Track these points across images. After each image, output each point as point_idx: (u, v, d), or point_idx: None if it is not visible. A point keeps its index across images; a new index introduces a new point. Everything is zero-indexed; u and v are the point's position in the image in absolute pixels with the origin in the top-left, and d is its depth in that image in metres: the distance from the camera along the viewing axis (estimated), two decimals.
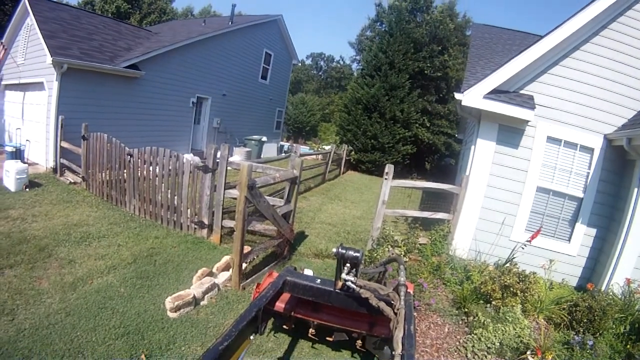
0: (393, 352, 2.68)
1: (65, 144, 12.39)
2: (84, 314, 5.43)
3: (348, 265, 3.26)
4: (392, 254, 8.41)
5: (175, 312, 5.73)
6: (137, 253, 7.62)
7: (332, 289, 3.43)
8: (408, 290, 3.41)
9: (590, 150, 9.20)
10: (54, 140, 12.94)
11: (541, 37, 9.10)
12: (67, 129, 12.61)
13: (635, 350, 6.57)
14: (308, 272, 4.02)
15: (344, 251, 3.18)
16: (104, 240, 8.01)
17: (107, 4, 46.66)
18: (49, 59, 12.73)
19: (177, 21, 36.42)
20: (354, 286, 3.24)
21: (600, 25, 8.90)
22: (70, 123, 12.60)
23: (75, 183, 11.89)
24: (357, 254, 3.17)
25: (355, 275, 3.25)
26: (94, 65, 14.36)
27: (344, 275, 3.24)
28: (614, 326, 7.20)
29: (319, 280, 3.57)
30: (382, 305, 3.21)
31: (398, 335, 2.81)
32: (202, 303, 6.21)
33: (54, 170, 12.97)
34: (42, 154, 13.77)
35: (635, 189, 8.34)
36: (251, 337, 3.15)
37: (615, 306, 7.29)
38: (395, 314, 3.09)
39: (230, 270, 6.90)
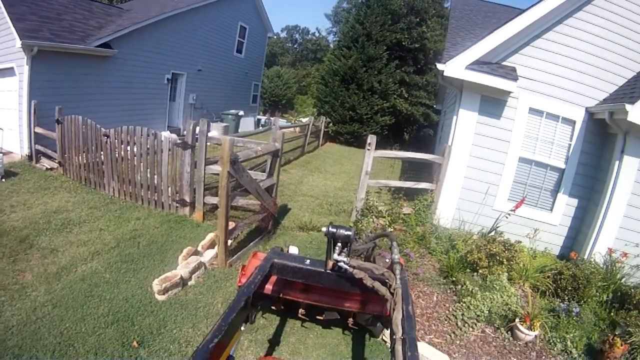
0: (394, 337, 2.59)
1: (39, 130, 12.05)
2: (71, 304, 5.32)
3: (339, 244, 3.14)
4: (382, 229, 8.43)
5: (164, 294, 5.65)
6: (120, 236, 7.48)
7: (322, 270, 3.32)
8: (403, 268, 3.32)
9: (572, 123, 9.31)
10: (28, 126, 12.59)
11: (524, 9, 9.04)
12: (41, 114, 12.26)
13: (619, 317, 6.72)
14: (293, 249, 3.91)
15: (334, 230, 3.05)
16: (85, 226, 7.84)
17: None
18: (18, 42, 12.28)
19: None
20: (347, 266, 3.13)
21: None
22: (44, 107, 12.26)
23: (52, 169, 11.59)
24: (349, 233, 3.04)
25: (348, 255, 3.13)
26: (65, 46, 13.94)
27: (335, 256, 3.11)
28: (597, 294, 7.37)
29: (308, 261, 3.45)
30: (377, 285, 3.11)
31: (397, 317, 2.72)
32: (189, 283, 6.14)
33: (30, 157, 12.60)
34: (16, 141, 13.35)
35: (617, 162, 8.48)
36: (242, 328, 3.04)
37: (598, 275, 7.45)
38: (392, 294, 3.01)
39: (216, 247, 6.84)
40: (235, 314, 2.81)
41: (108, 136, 9.39)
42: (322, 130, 25.79)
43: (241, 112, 25.20)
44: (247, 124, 29.22)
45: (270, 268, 3.42)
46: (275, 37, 53.69)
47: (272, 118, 33.31)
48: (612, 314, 7.03)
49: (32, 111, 12.25)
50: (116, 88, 17.05)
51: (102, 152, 9.70)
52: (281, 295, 4.06)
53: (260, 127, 31.17)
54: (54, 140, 11.43)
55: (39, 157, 12.27)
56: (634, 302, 6.88)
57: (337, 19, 48.81)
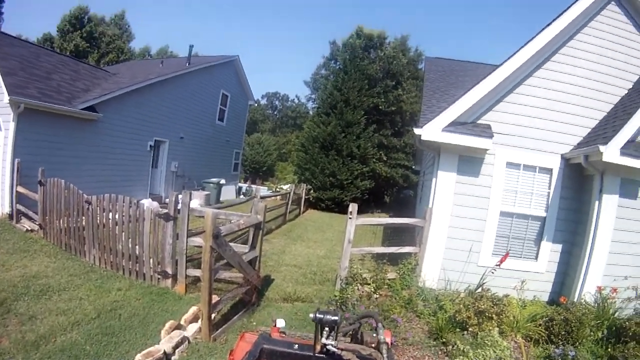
0: None
1: (21, 189, 11.91)
2: None
3: (327, 329, 3.17)
4: (367, 296, 8.38)
5: None
6: (101, 307, 7.25)
7: (311, 354, 3.32)
8: (390, 348, 3.34)
9: (549, 171, 9.53)
10: (10, 184, 12.48)
11: (495, 67, 9.35)
12: (23, 173, 12.17)
13: (617, 352, 6.67)
14: (280, 322, 3.87)
15: (321, 316, 3.10)
16: (65, 294, 7.61)
17: (65, 41, 46.47)
18: (6, 97, 12.35)
19: (135, 61, 36.25)
20: (335, 349, 3.14)
21: (550, 51, 9.37)
22: (27, 166, 12.21)
23: (32, 230, 11.38)
24: (336, 317, 3.09)
25: (335, 338, 3.16)
26: (52, 106, 14.02)
27: (323, 340, 3.14)
28: (591, 333, 7.34)
29: (296, 346, 3.45)
30: None
31: None
32: (173, 358, 5.93)
33: (10, 216, 12.43)
34: None
35: (596, 202, 8.67)
36: None
37: (590, 314, 7.43)
38: None
39: (199, 321, 6.65)
40: None
41: (90, 203, 9.28)
42: (303, 197, 25.89)
43: (222, 181, 25.22)
44: (228, 192, 29.19)
45: (260, 353, 3.40)
46: (256, 104, 54.55)
47: (253, 186, 33.44)
48: (609, 349, 6.96)
49: (16, 169, 12.17)
50: (99, 152, 17.07)
51: (83, 218, 9.56)
52: None
53: (242, 196, 31.19)
54: (35, 201, 11.27)
55: (19, 217, 12.09)
56: (630, 333, 6.83)
57: (316, 86, 49.64)
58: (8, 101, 12.39)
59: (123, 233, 8.87)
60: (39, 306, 6.93)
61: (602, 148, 7.77)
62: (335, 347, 3.17)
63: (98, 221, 9.23)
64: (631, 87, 9.45)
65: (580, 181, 9.37)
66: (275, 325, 3.92)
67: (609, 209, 8.57)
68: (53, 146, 14.60)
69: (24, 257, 9.22)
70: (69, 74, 17.53)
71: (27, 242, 10.30)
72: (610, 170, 8.36)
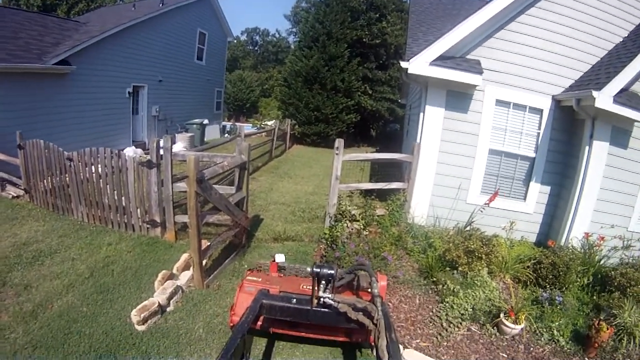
0: None
1: (1, 156, 11.49)
2: (52, 344, 5.11)
3: (324, 282, 3.20)
4: (357, 233, 8.40)
5: (143, 324, 5.49)
6: (93, 265, 7.23)
7: (309, 307, 3.37)
8: (384, 301, 3.41)
9: (540, 111, 9.39)
10: None
11: (487, 1, 9.04)
12: (1, 139, 11.84)
13: (602, 300, 6.83)
14: (280, 257, 3.93)
15: (318, 270, 3.21)
16: (57, 256, 7.55)
17: None
18: None
19: (106, 8, 35.04)
20: (332, 302, 3.19)
21: None
22: (5, 132, 11.84)
23: (18, 197, 11.12)
24: (332, 271, 3.21)
25: (332, 291, 3.20)
26: (22, 66, 13.59)
27: (320, 293, 3.20)
28: (578, 279, 7.45)
29: (294, 300, 3.49)
30: (361, 317, 3.26)
31: (382, 344, 2.91)
32: (168, 309, 5.98)
33: None
34: None
35: (587, 147, 8.59)
36: None
37: (577, 260, 7.50)
38: (375, 324, 3.09)
39: (191, 269, 6.67)
40: (230, 354, 2.85)
41: (71, 159, 9.08)
42: (289, 133, 25.77)
43: (205, 121, 24.95)
44: (212, 131, 29.02)
45: (260, 308, 3.43)
46: (235, 41, 53.54)
47: (237, 124, 33.20)
48: (594, 297, 7.13)
49: None
50: (78, 105, 16.69)
51: (67, 176, 9.40)
52: (271, 331, 4.05)
53: (226, 135, 31.00)
54: (17, 167, 10.98)
55: (4, 185, 11.77)
56: (615, 284, 6.98)
57: (297, 19, 48.75)
58: None
59: (108, 186, 8.74)
60: (32, 273, 6.88)
61: (595, 93, 7.67)
62: (332, 299, 3.22)
63: (82, 177, 9.07)
64: (627, 35, 9.25)
65: (570, 124, 9.29)
66: (274, 260, 3.98)
67: (599, 155, 8.55)
68: (29, 107, 14.25)
69: (12, 225, 9.05)
70: (36, 30, 16.85)
71: (14, 209, 10.09)
72: (601, 116, 8.28)
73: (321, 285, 3.23)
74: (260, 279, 3.86)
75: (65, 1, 46.88)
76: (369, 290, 3.60)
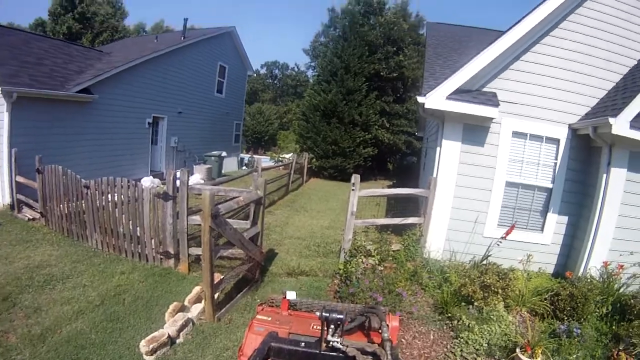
0: None
1: (20, 179, 11.72)
2: None
3: (332, 326, 3.18)
4: (372, 268, 8.31)
5: (152, 355, 5.43)
6: (104, 293, 7.22)
7: (317, 351, 3.33)
8: (394, 345, 3.36)
9: (556, 141, 9.33)
10: (9, 175, 12.29)
11: (501, 33, 9.12)
12: (21, 162, 11.93)
13: (621, 330, 6.66)
14: (291, 294, 3.88)
15: (327, 314, 3.15)
16: (69, 282, 7.56)
17: (58, 24, 45.73)
18: None
19: (129, 39, 35.79)
20: (340, 346, 3.17)
21: (559, 17, 9.05)
22: (24, 155, 11.92)
23: (34, 219, 11.28)
24: (341, 316, 3.18)
25: (341, 335, 3.17)
26: (45, 92, 13.83)
27: (329, 337, 3.16)
28: (596, 309, 7.33)
29: (303, 344, 3.45)
30: None
31: None
32: (178, 341, 5.92)
33: (12, 207, 12.26)
34: None
35: (604, 175, 8.52)
36: None
37: (595, 289, 7.38)
38: None
39: (203, 301, 6.62)
40: None
41: (88, 187, 9.17)
42: (306, 167, 25.75)
43: (224, 153, 25.02)
44: (230, 164, 29.12)
45: (268, 351, 3.40)
46: (254, 74, 54.14)
47: (255, 156, 33.34)
48: (613, 327, 6.96)
49: (13, 159, 11.95)
50: (97, 134, 16.91)
51: (83, 203, 9.45)
52: None
53: (244, 167, 31.24)
54: (35, 190, 11.13)
55: (21, 207, 11.96)
56: (635, 312, 6.83)
57: (315, 54, 49.16)
58: (0, 92, 12.18)
59: (123, 215, 8.78)
60: (43, 297, 6.89)
61: (611, 120, 7.61)
62: (340, 343, 3.19)
63: (98, 205, 9.13)
64: None
65: (587, 153, 9.21)
66: (286, 297, 3.93)
67: (616, 182, 8.45)
68: (50, 132, 14.43)
69: (27, 247, 9.14)
70: (61, 58, 17.24)
71: (29, 232, 10.20)
72: (619, 143, 8.20)
73: (330, 329, 3.21)
74: (270, 318, 3.81)
75: (90, 30, 47.87)
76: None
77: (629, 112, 7.69)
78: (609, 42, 9.09)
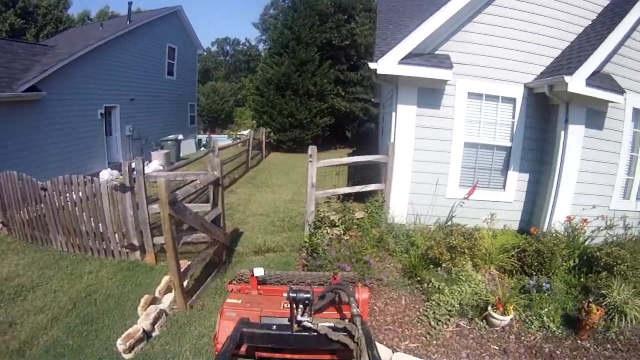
0: None
1: None
2: None
3: (301, 306, 3.21)
4: (337, 238, 8.39)
5: (130, 352, 5.44)
6: (75, 295, 7.11)
7: (290, 332, 3.36)
8: (364, 320, 3.41)
9: (513, 100, 9.45)
10: None
11: None
12: None
13: (590, 281, 6.90)
14: (258, 271, 3.89)
15: (294, 294, 3.18)
16: (39, 290, 7.41)
17: (0, 22, 44.15)
18: None
19: (74, 29, 34.65)
20: (311, 325, 3.20)
21: None
22: None
23: None
24: (308, 295, 3.21)
25: (310, 314, 3.20)
26: None
27: (299, 317, 3.19)
28: (563, 263, 7.54)
29: (275, 326, 3.48)
30: (342, 337, 3.24)
31: None
32: (154, 334, 5.93)
33: None
34: None
35: (562, 132, 8.69)
36: None
37: (561, 244, 7.59)
38: (356, 343, 3.11)
39: (173, 291, 6.61)
40: None
41: (46, 189, 8.94)
42: (264, 141, 25.73)
43: (180, 136, 24.81)
44: (188, 146, 28.85)
45: (240, 337, 3.42)
46: (205, 52, 53.33)
47: (212, 136, 33.06)
48: (582, 279, 7.19)
49: None
50: (50, 131, 16.52)
51: (42, 206, 9.23)
52: (256, 355, 4.06)
53: (202, 148, 30.98)
54: None
55: None
56: (602, 263, 7.05)
57: (265, 27, 48.69)
58: None
59: (84, 213, 8.62)
60: (16, 309, 6.75)
61: (567, 78, 7.75)
62: (311, 322, 3.22)
63: (57, 205, 8.92)
64: (595, 17, 9.33)
65: (544, 111, 9.35)
66: (254, 275, 3.95)
67: (575, 139, 8.65)
68: (1, 137, 14.06)
69: None
70: (4, 57, 16.65)
71: None
72: (575, 100, 8.37)
73: (299, 309, 3.24)
74: (240, 301, 3.83)
75: (34, 24, 46.40)
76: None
77: (585, 70, 7.85)
78: (562, 2, 9.18)
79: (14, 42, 20.86)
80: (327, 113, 30.50)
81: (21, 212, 9.70)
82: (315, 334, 3.26)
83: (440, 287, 6.61)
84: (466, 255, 7.18)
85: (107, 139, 20.90)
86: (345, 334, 3.23)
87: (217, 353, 4.05)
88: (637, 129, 9.26)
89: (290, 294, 3.21)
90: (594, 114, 8.69)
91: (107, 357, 5.48)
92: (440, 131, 9.53)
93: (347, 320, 3.42)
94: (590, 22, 9.32)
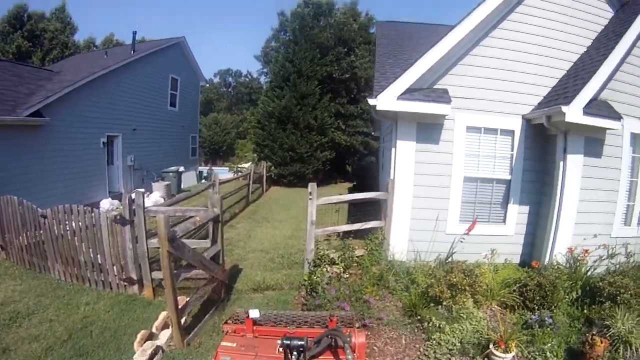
0: None
1: None
2: None
3: (295, 353, 3.18)
4: (337, 276, 8.33)
5: None
6: (71, 326, 7.05)
7: None
8: None
9: (511, 133, 9.52)
10: None
11: (449, 28, 9.12)
12: None
13: (593, 312, 6.84)
14: (254, 313, 3.84)
15: (288, 342, 3.15)
16: (35, 317, 7.35)
17: (7, 44, 44.32)
18: None
19: (79, 55, 35.01)
20: None
21: (507, 8, 9.27)
22: None
23: None
24: (302, 342, 3.16)
25: None
26: None
27: None
28: (566, 295, 7.46)
29: None
30: None
31: None
32: None
33: None
34: None
35: (561, 162, 8.74)
36: None
37: (563, 276, 7.56)
38: None
39: (170, 327, 6.54)
40: None
41: (45, 217, 8.94)
42: (265, 175, 25.74)
43: (181, 168, 24.87)
44: (189, 178, 28.87)
45: None
46: (208, 84, 53.69)
47: (214, 168, 33.10)
48: (585, 310, 7.12)
49: None
50: (52, 157, 16.53)
51: (42, 233, 9.20)
52: None
53: (203, 180, 30.99)
54: None
55: None
56: (605, 294, 6.99)
57: (267, 60, 49.06)
58: None
59: (83, 243, 8.59)
60: (10, 336, 6.69)
61: (564, 108, 7.83)
62: None
63: (56, 234, 8.89)
64: (590, 44, 9.47)
65: (543, 141, 9.39)
66: (249, 316, 3.90)
67: (574, 168, 8.67)
68: (3, 159, 14.06)
69: None
70: (10, 80, 16.81)
71: None
72: (573, 129, 8.43)
73: (294, 356, 3.20)
74: (234, 344, 3.77)
75: (40, 48, 46.81)
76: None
77: (581, 99, 7.94)
78: (558, 31, 9.35)
79: (19, 65, 21.09)
80: (327, 147, 30.65)
81: (20, 237, 9.69)
82: None
83: (440, 325, 6.54)
84: (467, 292, 7.13)
85: (108, 168, 20.93)
86: None
87: None
88: (635, 154, 9.30)
89: (284, 341, 3.19)
90: (593, 142, 8.73)
91: None
92: (440, 166, 9.55)
93: None
94: (585, 49, 9.46)
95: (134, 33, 25.01)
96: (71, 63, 25.99)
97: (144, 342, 6.19)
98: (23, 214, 9.47)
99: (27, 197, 9.58)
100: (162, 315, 7.08)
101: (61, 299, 8.19)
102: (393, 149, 9.69)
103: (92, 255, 8.57)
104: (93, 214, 8.46)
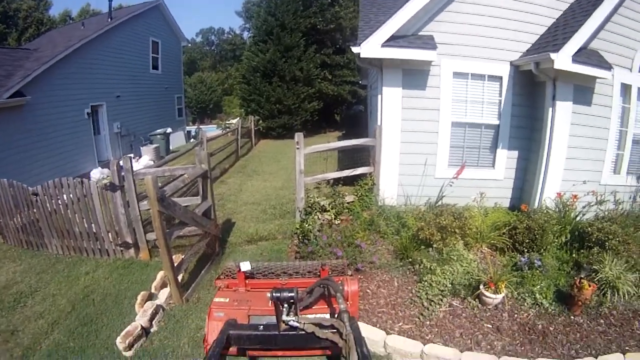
0: None
1: None
2: None
3: (286, 305, 3.22)
4: (329, 223, 8.42)
5: (130, 349, 5.53)
6: (73, 297, 7.17)
7: (276, 332, 3.37)
8: (352, 316, 3.40)
9: (499, 79, 9.43)
10: None
11: None
12: None
13: (582, 257, 6.93)
14: (245, 265, 3.89)
15: (278, 294, 3.14)
16: (38, 295, 7.44)
17: None
18: None
19: (55, 30, 34.27)
20: (297, 324, 3.21)
21: None
22: None
23: None
24: (292, 294, 3.14)
25: (296, 313, 3.21)
26: None
27: (284, 317, 3.19)
28: (555, 239, 7.53)
29: (261, 327, 3.49)
30: (330, 335, 3.20)
31: (353, 358, 2.81)
32: (152, 330, 6.03)
33: None
34: None
35: (550, 108, 8.68)
36: None
37: (552, 220, 7.62)
38: (345, 340, 3.11)
39: (168, 286, 6.69)
40: None
41: (37, 194, 8.95)
42: (253, 129, 25.65)
43: (169, 130, 24.74)
44: (177, 139, 28.77)
45: (228, 339, 3.44)
46: (190, 44, 52.91)
47: (201, 127, 32.92)
48: (574, 254, 7.22)
49: None
50: (39, 135, 16.48)
51: (35, 211, 9.22)
52: (248, 354, 4.11)
53: (192, 140, 30.88)
54: None
55: None
56: (593, 239, 7.09)
57: (249, 15, 48.29)
58: None
59: (76, 214, 8.63)
60: (17, 317, 6.79)
61: (553, 55, 7.76)
62: (297, 322, 3.24)
63: (49, 209, 8.92)
64: None
65: (532, 88, 9.36)
66: (240, 269, 3.95)
67: (563, 115, 8.67)
68: None
69: None
70: None
71: None
72: (562, 77, 8.37)
73: (285, 308, 3.24)
74: (227, 300, 3.83)
75: (15, 28, 45.92)
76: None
77: (571, 47, 7.85)
78: None
79: None
80: (315, 98, 30.35)
81: (14, 218, 9.69)
82: (303, 332, 3.29)
83: (432, 267, 6.67)
84: (457, 234, 7.23)
85: (95, 138, 20.87)
86: (333, 331, 3.25)
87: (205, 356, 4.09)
88: (625, 104, 9.26)
89: (274, 294, 3.22)
90: (582, 90, 8.69)
91: (108, 357, 5.55)
92: (427, 112, 9.53)
93: (335, 317, 3.43)
94: None
95: (110, 0, 24.47)
96: (48, 39, 25.53)
97: (145, 303, 6.36)
98: (14, 195, 9.43)
99: (19, 177, 9.58)
100: (160, 275, 7.22)
101: (61, 272, 8.29)
102: (379, 96, 9.65)
103: (86, 226, 8.63)
104: (83, 185, 8.47)
